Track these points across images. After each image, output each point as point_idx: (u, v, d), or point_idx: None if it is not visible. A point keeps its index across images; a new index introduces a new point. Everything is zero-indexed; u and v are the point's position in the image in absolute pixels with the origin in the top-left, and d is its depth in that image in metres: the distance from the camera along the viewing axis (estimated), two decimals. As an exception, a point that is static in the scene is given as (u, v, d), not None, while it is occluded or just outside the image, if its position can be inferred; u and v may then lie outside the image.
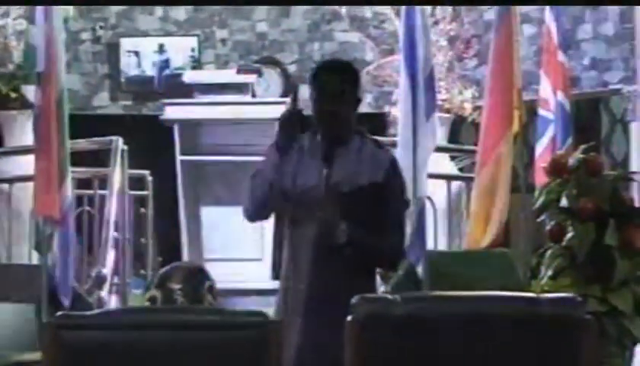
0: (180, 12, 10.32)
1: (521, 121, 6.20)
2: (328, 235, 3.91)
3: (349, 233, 3.90)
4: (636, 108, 8.30)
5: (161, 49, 10.01)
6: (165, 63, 9.97)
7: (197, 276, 3.62)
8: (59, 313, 3.19)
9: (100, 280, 6.30)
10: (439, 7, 8.68)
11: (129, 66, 10.06)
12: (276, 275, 7.38)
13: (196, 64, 9.88)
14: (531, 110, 6.50)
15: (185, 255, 7.19)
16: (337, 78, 4.06)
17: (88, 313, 3.18)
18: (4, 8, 7.91)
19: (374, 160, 4.03)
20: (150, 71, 10.05)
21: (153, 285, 3.58)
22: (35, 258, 6.62)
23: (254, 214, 4.24)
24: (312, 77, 4.14)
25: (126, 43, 10.09)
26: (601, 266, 4.59)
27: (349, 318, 3.03)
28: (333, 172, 3.97)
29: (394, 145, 5.76)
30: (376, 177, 4.00)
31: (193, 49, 10.01)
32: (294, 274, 4.03)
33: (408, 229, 5.91)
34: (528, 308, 3.07)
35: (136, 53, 10.03)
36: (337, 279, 3.92)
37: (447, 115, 8.60)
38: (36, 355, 5.53)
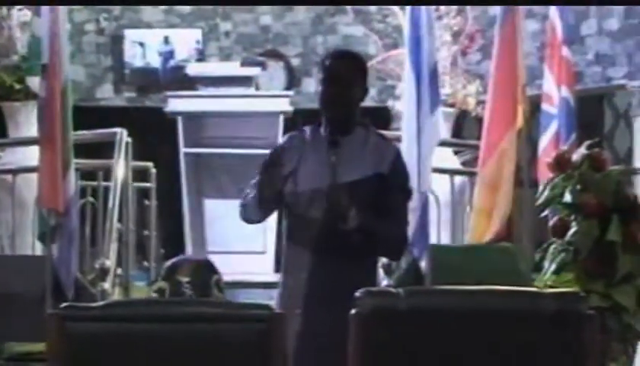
0: (184, 5, 10.32)
1: (525, 116, 6.20)
2: (339, 220, 3.93)
3: (360, 218, 3.93)
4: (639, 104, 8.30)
5: (166, 41, 10.01)
6: (170, 54, 9.97)
7: (205, 269, 3.64)
8: (64, 304, 3.19)
9: (103, 272, 6.30)
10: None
11: (133, 58, 10.06)
12: (278, 268, 7.40)
13: (201, 57, 9.89)
14: (535, 105, 6.50)
15: (188, 248, 7.21)
16: (346, 64, 4.13)
17: (92, 304, 3.19)
18: (8, -1, 7.91)
19: (379, 151, 4.08)
20: (154, 63, 10.05)
21: (161, 277, 3.58)
22: (39, 249, 6.63)
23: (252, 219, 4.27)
24: (322, 63, 4.20)
25: (130, 35, 10.09)
26: (604, 262, 4.60)
27: (353, 311, 3.03)
28: (339, 161, 3.99)
29: (398, 139, 5.76)
30: (381, 168, 4.04)
31: (197, 42, 10.01)
32: (295, 263, 4.04)
33: (412, 223, 5.93)
34: (531, 303, 3.07)
35: (141, 44, 10.03)
36: (340, 269, 3.94)
37: (451, 110, 8.60)
38: (40, 346, 5.54)
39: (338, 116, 4.07)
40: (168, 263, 3.61)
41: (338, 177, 3.97)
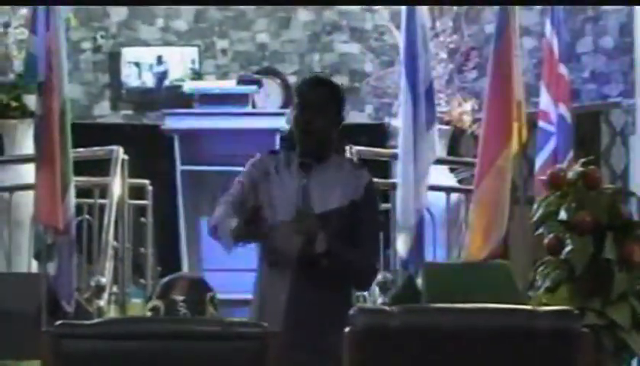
0: (181, 23, 10.35)
1: (521, 134, 6.21)
2: (307, 244, 3.93)
3: (328, 243, 3.92)
4: (635, 121, 8.32)
5: (159, 60, 10.03)
6: (163, 75, 10.00)
7: (199, 287, 3.64)
8: (59, 321, 3.19)
9: (99, 290, 6.30)
10: (439, 20, 8.71)
11: (129, 77, 10.08)
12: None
13: (196, 76, 9.91)
14: (531, 122, 6.51)
15: (185, 265, 7.19)
16: (319, 92, 4.11)
17: (87, 322, 3.19)
18: (5, 17, 7.92)
19: (351, 180, 4.07)
20: (151, 81, 10.07)
21: (155, 295, 3.59)
22: (34, 267, 6.63)
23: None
24: (295, 90, 4.20)
25: (127, 53, 10.11)
26: (599, 279, 4.59)
27: (346, 329, 3.04)
28: (310, 189, 4.00)
29: (394, 156, 5.77)
30: (353, 196, 4.03)
31: (193, 61, 10.04)
32: (272, 284, 4.05)
33: (408, 240, 5.94)
34: (525, 321, 3.07)
35: (137, 64, 10.05)
36: (315, 291, 3.93)
37: (447, 127, 8.62)
38: (35, 364, 5.53)
39: (310, 143, 4.06)
40: (163, 281, 3.62)
41: (310, 202, 3.98)
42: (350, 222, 4.00)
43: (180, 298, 3.54)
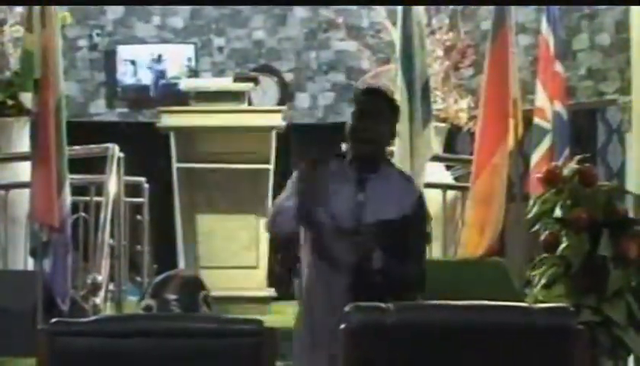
0: (178, 20, 10.35)
1: (517, 131, 6.21)
2: (364, 260, 3.91)
3: (384, 260, 3.90)
4: (632, 119, 8.32)
5: (159, 58, 10.04)
6: (161, 74, 10.00)
7: (193, 286, 3.62)
8: (54, 319, 3.19)
9: (95, 287, 6.29)
10: (435, 17, 8.70)
11: (125, 75, 10.08)
12: (270, 283, 7.40)
13: (192, 73, 9.91)
14: (527, 119, 6.51)
15: (181, 263, 7.20)
16: (377, 101, 4.08)
17: (83, 319, 3.19)
18: (1, 15, 7.91)
19: (403, 192, 4.05)
20: (146, 79, 10.07)
21: (148, 294, 3.58)
22: (30, 265, 6.62)
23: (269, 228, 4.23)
24: (356, 95, 4.18)
25: (123, 51, 10.11)
26: (595, 276, 4.60)
27: (342, 326, 3.03)
28: (366, 200, 3.97)
29: (390, 154, 5.77)
30: (404, 209, 4.01)
31: (189, 59, 10.04)
32: (323, 302, 3.98)
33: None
34: (520, 318, 3.08)
35: (133, 62, 10.05)
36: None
37: (443, 124, 8.61)
38: (30, 361, 5.53)
39: (365, 152, 4.02)
40: (156, 280, 3.60)
41: (364, 217, 3.95)
42: (400, 233, 3.97)
43: (173, 297, 3.53)
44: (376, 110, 4.04)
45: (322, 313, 3.98)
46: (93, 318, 3.29)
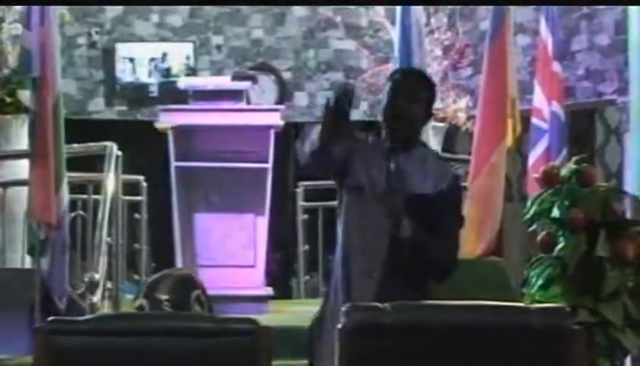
0: (176, 18, 10.34)
1: (515, 131, 6.21)
2: (394, 227, 3.88)
3: (412, 230, 3.88)
4: (630, 119, 8.32)
5: (157, 55, 10.04)
6: (161, 68, 10.00)
7: (185, 286, 3.63)
8: (51, 318, 3.19)
9: (92, 286, 6.30)
10: (434, 17, 8.71)
11: (124, 72, 10.08)
12: (268, 283, 7.40)
13: (190, 71, 9.91)
14: (525, 119, 6.51)
15: (179, 261, 7.19)
16: (413, 80, 4.09)
17: (80, 318, 3.18)
18: (-1, 13, 7.92)
19: (439, 171, 4.04)
20: (145, 77, 10.07)
21: (141, 294, 3.58)
22: (28, 263, 6.62)
23: (310, 158, 3.97)
24: (391, 75, 4.16)
25: (122, 49, 10.11)
26: (592, 277, 4.60)
27: (339, 326, 3.03)
28: (399, 172, 3.95)
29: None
30: (440, 186, 3.99)
31: (188, 57, 10.04)
32: (361, 265, 3.94)
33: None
34: (516, 318, 3.08)
35: (132, 60, 10.05)
36: (401, 293, 3.76)
37: (441, 124, 8.63)
38: (28, 360, 5.53)
39: (400, 128, 3.99)
40: (149, 279, 3.61)
41: (397, 186, 3.92)
42: (435, 211, 3.94)
43: (165, 297, 3.53)
44: (410, 89, 4.02)
45: (360, 277, 3.94)
46: (90, 316, 3.29)
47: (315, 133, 3.95)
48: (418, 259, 3.90)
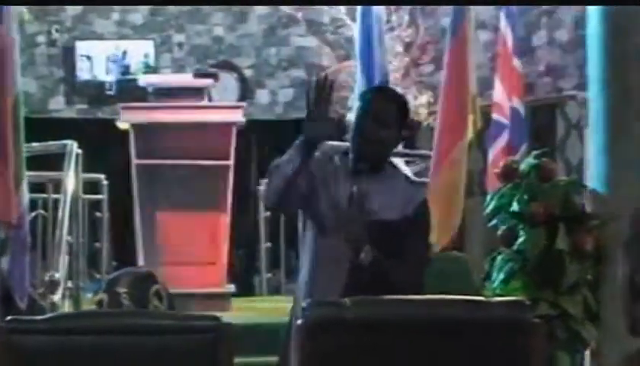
0: (137, 16, 10.30)
1: (476, 127, 6.23)
2: (353, 253, 3.80)
3: (374, 255, 3.78)
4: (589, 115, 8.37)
5: (117, 53, 10.00)
6: (121, 70, 9.96)
7: (144, 281, 3.62)
8: (10, 317, 3.17)
9: (53, 285, 6.26)
10: (395, 14, 8.73)
11: (84, 71, 10.03)
12: (231, 280, 7.39)
13: (149, 69, 9.88)
14: (486, 115, 6.54)
15: (140, 260, 7.16)
16: (388, 105, 3.94)
17: (39, 317, 3.17)
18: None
19: (406, 196, 3.92)
20: (105, 75, 10.03)
21: (102, 289, 3.58)
22: (-12, 263, 6.57)
23: (275, 200, 3.95)
24: (363, 95, 4.08)
25: (82, 47, 10.06)
26: (552, 270, 4.63)
27: (299, 322, 3.03)
28: (364, 198, 3.83)
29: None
30: (405, 213, 3.87)
31: (146, 55, 10.00)
32: (323, 292, 3.83)
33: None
34: (477, 311, 3.09)
35: (90, 58, 10.01)
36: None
37: (403, 120, 8.63)
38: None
39: (369, 152, 3.88)
40: (110, 276, 3.61)
41: (360, 211, 3.80)
42: (400, 238, 3.83)
43: (124, 291, 3.52)
44: (381, 111, 3.89)
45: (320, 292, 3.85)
46: (49, 315, 3.27)
47: (279, 172, 3.87)
48: (380, 287, 3.70)
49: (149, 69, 9.86)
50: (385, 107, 3.91)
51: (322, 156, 3.94)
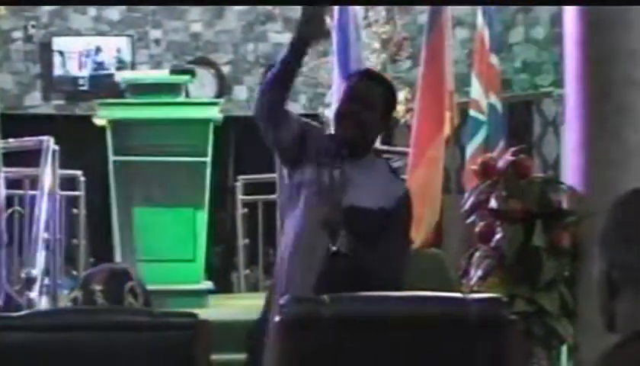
0: (114, 12, 10.27)
1: (453, 123, 6.25)
2: (330, 239, 3.69)
3: (350, 245, 3.70)
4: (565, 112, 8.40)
5: (97, 51, 9.96)
6: (98, 66, 9.92)
7: (119, 277, 3.61)
8: (-15, 314, 3.15)
9: (29, 281, 6.23)
10: (372, 10, 8.73)
11: (60, 67, 9.99)
12: (208, 277, 7.38)
13: (123, 65, 9.84)
14: (463, 112, 6.55)
15: (118, 256, 7.14)
16: (373, 87, 3.84)
17: (16, 314, 3.15)
18: None
19: (387, 185, 3.82)
20: (82, 71, 9.99)
21: (77, 286, 3.57)
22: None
23: (261, 100, 3.87)
24: (348, 77, 4.00)
25: (58, 43, 10.02)
26: (529, 267, 4.64)
27: (277, 318, 3.03)
28: (343, 181, 3.73)
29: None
30: (385, 203, 3.77)
31: (118, 50, 9.97)
32: (302, 276, 3.75)
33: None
34: (454, 308, 3.09)
35: (65, 53, 9.97)
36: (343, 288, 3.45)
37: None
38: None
39: (352, 134, 3.77)
40: (85, 273, 3.60)
41: (338, 198, 3.71)
42: (378, 230, 3.72)
43: (98, 288, 3.51)
44: (366, 94, 3.79)
45: (298, 283, 3.76)
46: (25, 312, 3.26)
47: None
48: (357, 277, 3.65)
49: (123, 65, 9.83)
50: (370, 89, 3.82)
51: (316, 132, 3.87)
